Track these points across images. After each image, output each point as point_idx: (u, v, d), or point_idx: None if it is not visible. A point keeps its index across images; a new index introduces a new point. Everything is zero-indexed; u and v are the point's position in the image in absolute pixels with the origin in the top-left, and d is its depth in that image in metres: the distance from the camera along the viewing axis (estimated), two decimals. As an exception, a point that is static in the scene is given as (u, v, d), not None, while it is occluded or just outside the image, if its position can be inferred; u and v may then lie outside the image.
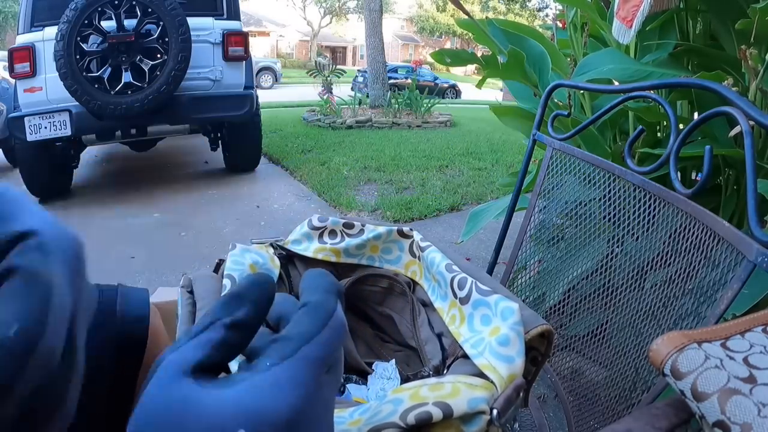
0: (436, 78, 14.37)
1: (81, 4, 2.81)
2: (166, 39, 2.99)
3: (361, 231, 0.67)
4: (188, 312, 0.51)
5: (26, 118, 2.98)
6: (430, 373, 0.60)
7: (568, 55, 1.58)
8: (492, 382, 0.39)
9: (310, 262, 0.67)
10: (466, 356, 0.45)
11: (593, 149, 1.32)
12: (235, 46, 3.38)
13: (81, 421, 0.31)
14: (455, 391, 0.36)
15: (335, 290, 0.24)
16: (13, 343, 0.18)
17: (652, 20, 1.17)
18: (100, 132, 3.24)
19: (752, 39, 0.99)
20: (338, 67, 7.21)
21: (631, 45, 1.26)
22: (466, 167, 4.17)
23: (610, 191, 0.77)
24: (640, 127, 0.77)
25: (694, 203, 0.61)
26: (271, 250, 0.65)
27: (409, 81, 8.43)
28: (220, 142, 3.99)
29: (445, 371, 0.54)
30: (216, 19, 3.38)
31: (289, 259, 0.68)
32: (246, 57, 3.48)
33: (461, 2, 1.52)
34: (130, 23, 2.96)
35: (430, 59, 20.47)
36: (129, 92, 2.98)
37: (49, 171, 3.30)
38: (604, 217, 0.79)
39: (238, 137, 3.81)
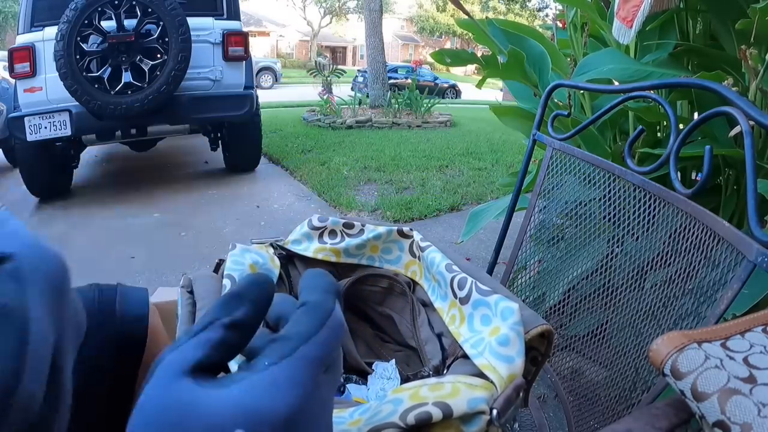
0: (436, 78, 14.37)
1: (81, 4, 2.81)
2: (166, 39, 2.99)
3: (361, 231, 0.67)
4: (188, 312, 0.51)
5: (26, 118, 2.98)
6: (430, 373, 0.60)
7: (568, 55, 1.58)
8: (492, 382, 0.39)
9: (310, 262, 0.67)
10: (466, 356, 0.45)
11: (593, 149, 1.32)
12: (235, 46, 3.38)
13: (81, 421, 0.31)
14: (455, 391, 0.36)
15: (334, 290, 0.24)
16: None
17: (652, 20, 1.17)
18: (100, 132, 3.24)
19: (752, 39, 0.99)
20: (338, 67, 7.21)
21: (631, 45, 1.26)
22: (466, 167, 4.17)
23: (610, 191, 0.77)
24: (640, 127, 0.77)
25: (694, 203, 0.61)
26: (271, 250, 0.65)
27: (409, 81, 8.43)
28: (220, 142, 3.99)
29: (445, 371, 0.54)
30: (216, 19, 3.37)
31: (289, 259, 0.68)
32: (246, 57, 3.48)
33: (461, 2, 1.52)
34: (130, 23, 2.96)
35: (430, 59, 20.48)
36: (129, 92, 2.98)
37: (49, 171, 3.30)
38: (604, 217, 0.79)
39: (238, 137, 3.81)
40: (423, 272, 0.64)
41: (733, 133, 0.99)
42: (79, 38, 2.85)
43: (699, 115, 0.64)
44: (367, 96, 7.63)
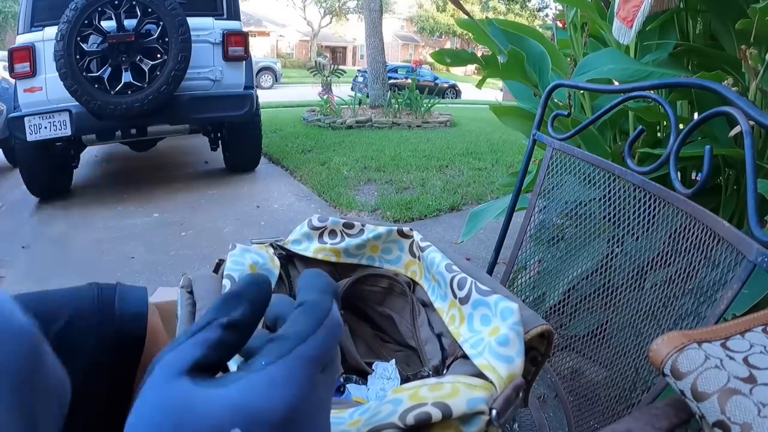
0: (436, 78, 14.37)
1: (81, 4, 2.81)
2: (166, 39, 2.99)
3: (361, 231, 0.67)
4: (188, 312, 0.51)
5: (26, 118, 2.98)
6: (430, 373, 0.60)
7: (568, 55, 1.58)
8: (491, 382, 0.39)
9: (310, 262, 0.67)
10: (465, 356, 0.45)
11: (593, 149, 1.32)
12: (235, 46, 3.38)
13: (79, 420, 0.31)
14: (454, 392, 0.36)
15: (331, 290, 0.24)
16: None
17: (652, 20, 1.17)
18: (100, 132, 3.24)
19: (752, 39, 0.99)
20: (338, 67, 7.21)
21: (631, 45, 1.26)
22: (466, 167, 4.17)
23: (610, 191, 0.77)
24: (640, 127, 0.77)
25: (694, 203, 0.61)
26: (271, 250, 0.65)
27: (409, 81, 8.43)
28: (220, 142, 3.99)
29: (444, 371, 0.54)
30: (216, 19, 3.38)
31: (289, 259, 0.68)
32: (246, 57, 3.48)
33: (461, 2, 1.52)
34: (130, 23, 2.96)
35: (430, 59, 20.47)
36: (129, 92, 2.98)
37: (49, 171, 3.30)
38: (604, 217, 0.79)
39: (238, 137, 3.81)
40: (423, 272, 0.63)
41: (733, 133, 0.99)
42: (79, 38, 2.85)
43: (699, 115, 0.64)
44: (367, 96, 7.63)
